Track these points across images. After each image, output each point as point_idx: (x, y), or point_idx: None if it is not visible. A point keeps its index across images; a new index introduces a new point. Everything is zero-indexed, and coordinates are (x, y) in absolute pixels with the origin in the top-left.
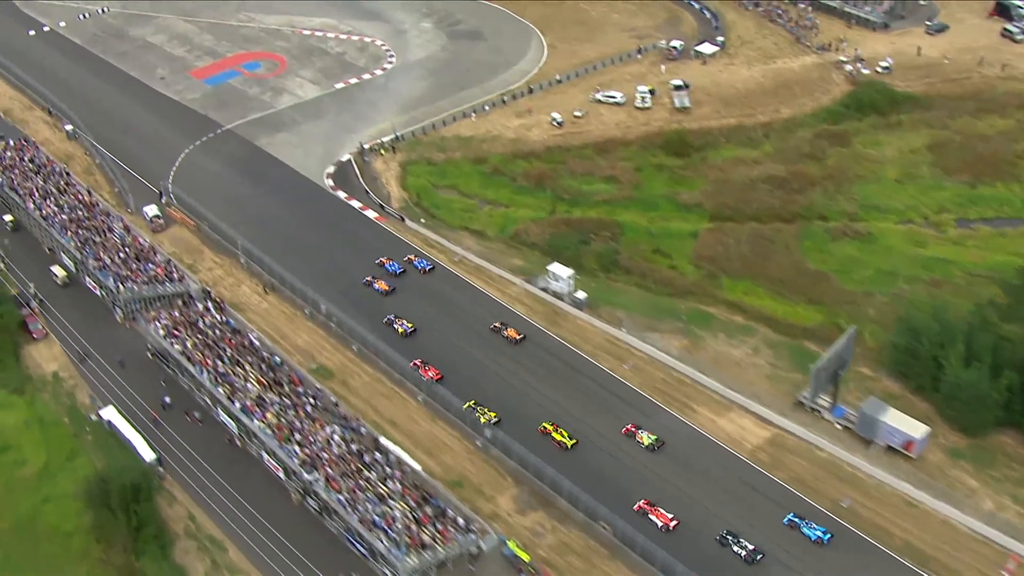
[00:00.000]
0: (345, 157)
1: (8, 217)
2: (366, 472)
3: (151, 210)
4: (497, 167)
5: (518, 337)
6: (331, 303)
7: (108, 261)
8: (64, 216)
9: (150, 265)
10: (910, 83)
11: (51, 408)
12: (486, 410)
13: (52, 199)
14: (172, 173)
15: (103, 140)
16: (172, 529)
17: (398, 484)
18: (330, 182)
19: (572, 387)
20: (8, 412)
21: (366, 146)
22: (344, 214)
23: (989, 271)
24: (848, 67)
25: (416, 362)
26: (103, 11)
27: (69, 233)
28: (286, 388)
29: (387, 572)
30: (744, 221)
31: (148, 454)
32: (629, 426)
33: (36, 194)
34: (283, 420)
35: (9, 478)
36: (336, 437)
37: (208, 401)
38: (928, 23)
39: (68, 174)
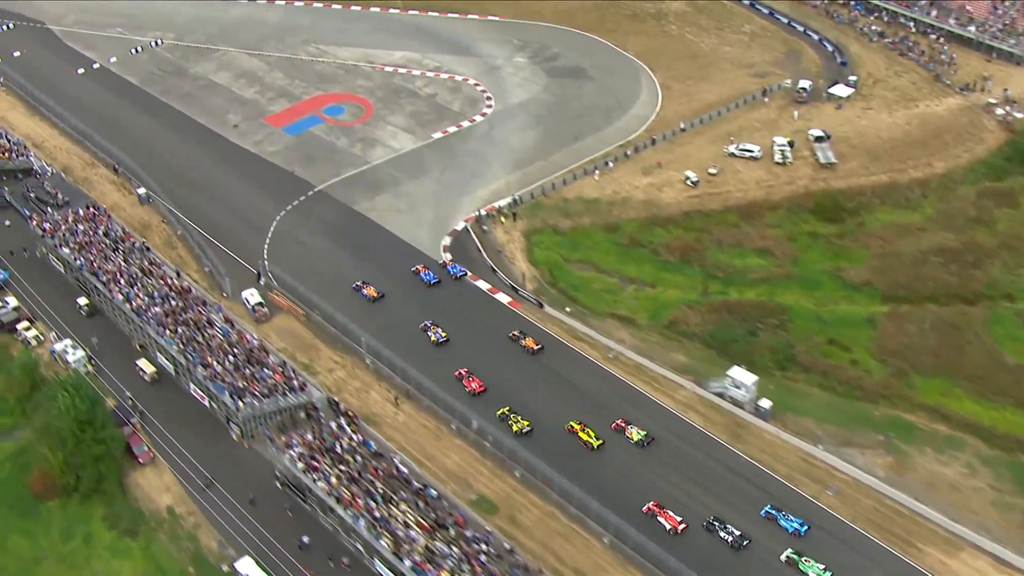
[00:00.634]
0: (460, 225)
1: (83, 301)
2: None
3: (252, 297)
4: (633, 237)
5: None
6: (481, 416)
7: (217, 368)
8: (158, 309)
9: (265, 371)
10: None
11: (172, 555)
12: (519, 418)
13: (139, 285)
14: (266, 247)
15: (181, 205)
16: None
17: None
18: (448, 255)
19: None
20: (123, 561)
21: (483, 212)
22: (473, 299)
23: None
24: (999, 110)
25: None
26: (157, 43)
27: (168, 332)
28: (452, 531)
29: None
30: (920, 302)
31: None
32: None
33: (121, 279)
34: None
35: None
36: None
37: (361, 549)
38: None
39: (148, 249)
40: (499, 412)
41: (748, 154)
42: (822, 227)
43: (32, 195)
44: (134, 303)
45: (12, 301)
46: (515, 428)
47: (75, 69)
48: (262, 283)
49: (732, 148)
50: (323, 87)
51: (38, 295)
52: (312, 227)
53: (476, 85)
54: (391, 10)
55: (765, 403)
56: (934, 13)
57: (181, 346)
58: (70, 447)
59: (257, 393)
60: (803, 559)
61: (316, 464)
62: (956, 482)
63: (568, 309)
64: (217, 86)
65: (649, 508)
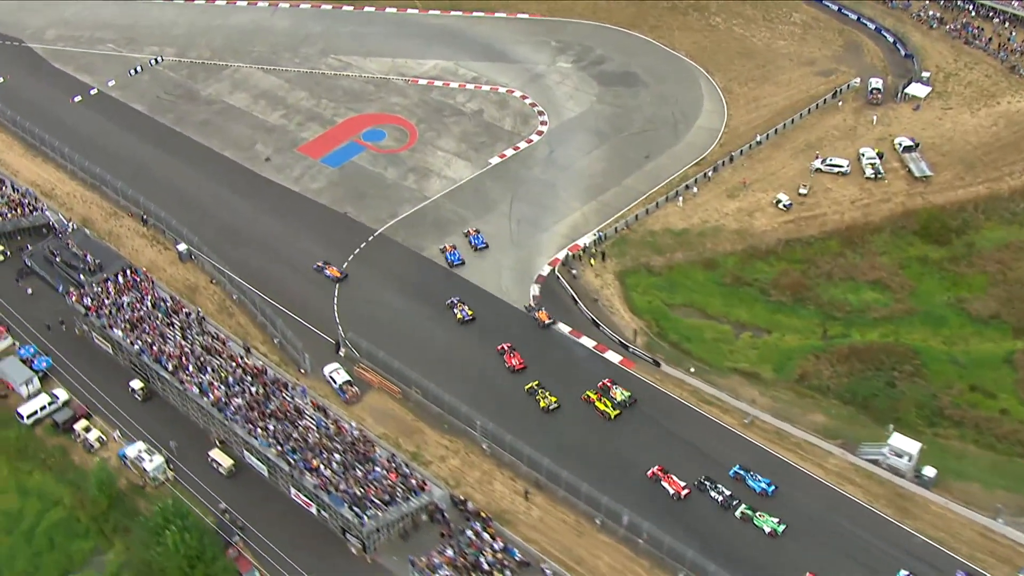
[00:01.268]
0: (545, 269)
1: (137, 385)
2: None
3: (338, 374)
4: (735, 274)
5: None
6: (629, 507)
7: (325, 472)
8: (239, 400)
9: (377, 469)
10: None
11: None
12: (547, 393)
13: (210, 370)
14: (335, 308)
15: (229, 261)
16: None
17: None
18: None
19: None
20: None
21: (568, 253)
22: (578, 359)
23: None
24: None
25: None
26: (157, 61)
27: (260, 430)
28: None
29: None
30: None
31: None
32: None
33: (188, 364)
34: None
35: None
36: None
37: None
38: None
39: (205, 319)
40: (527, 386)
41: (837, 169)
42: (931, 251)
43: (58, 259)
44: (211, 395)
45: (62, 394)
46: (543, 404)
47: (70, 96)
48: (342, 354)
49: (819, 163)
50: (355, 107)
51: (85, 376)
52: (383, 281)
53: (523, 98)
54: (409, 10)
55: (930, 471)
56: None
57: (279, 447)
58: None
59: (377, 500)
60: (757, 513)
61: None
62: None
63: (692, 369)
64: (236, 110)
65: (653, 473)
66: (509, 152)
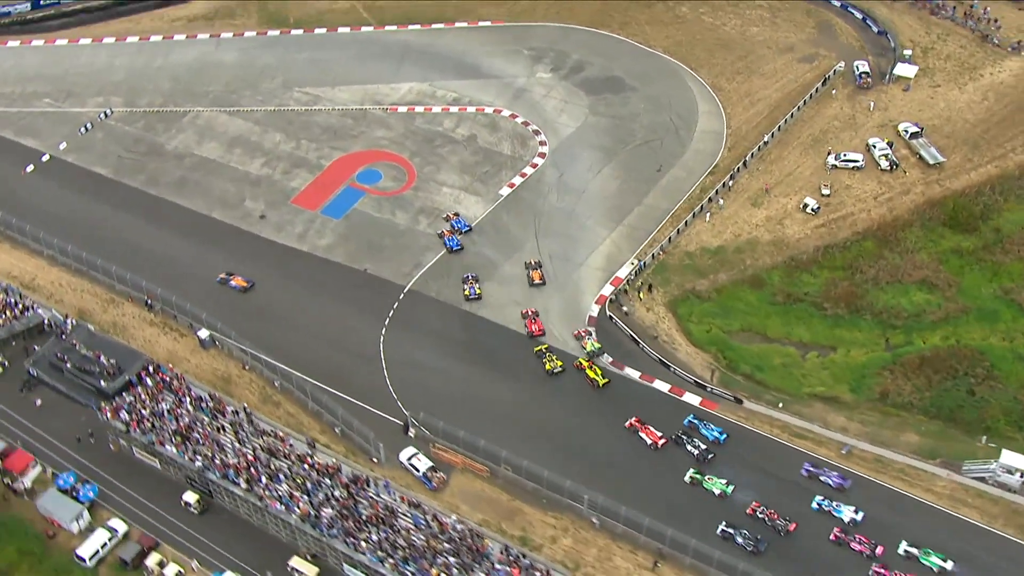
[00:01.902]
0: (594, 309)
1: (192, 498)
2: None
3: (419, 461)
4: (784, 290)
5: None
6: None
7: None
8: (329, 511)
9: (498, 568)
10: None
11: None
12: (553, 357)
13: (283, 476)
14: (388, 383)
15: (256, 341)
16: None
17: None
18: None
19: None
20: None
21: (614, 289)
22: (657, 407)
23: None
24: None
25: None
26: (106, 115)
27: (363, 543)
28: None
29: None
30: None
31: None
32: None
33: (259, 475)
34: None
35: None
36: None
37: None
38: None
39: (252, 416)
40: (535, 349)
41: (852, 164)
42: (962, 240)
43: (68, 364)
44: (297, 510)
45: (119, 525)
46: (548, 367)
47: (22, 167)
48: (412, 435)
49: (833, 160)
50: (339, 145)
51: (135, 495)
52: (429, 344)
53: (513, 117)
54: (363, 28)
55: None
56: None
57: (392, 561)
58: None
59: None
60: (706, 477)
61: None
62: None
63: (780, 405)
64: (211, 163)
65: (631, 424)
66: (517, 180)
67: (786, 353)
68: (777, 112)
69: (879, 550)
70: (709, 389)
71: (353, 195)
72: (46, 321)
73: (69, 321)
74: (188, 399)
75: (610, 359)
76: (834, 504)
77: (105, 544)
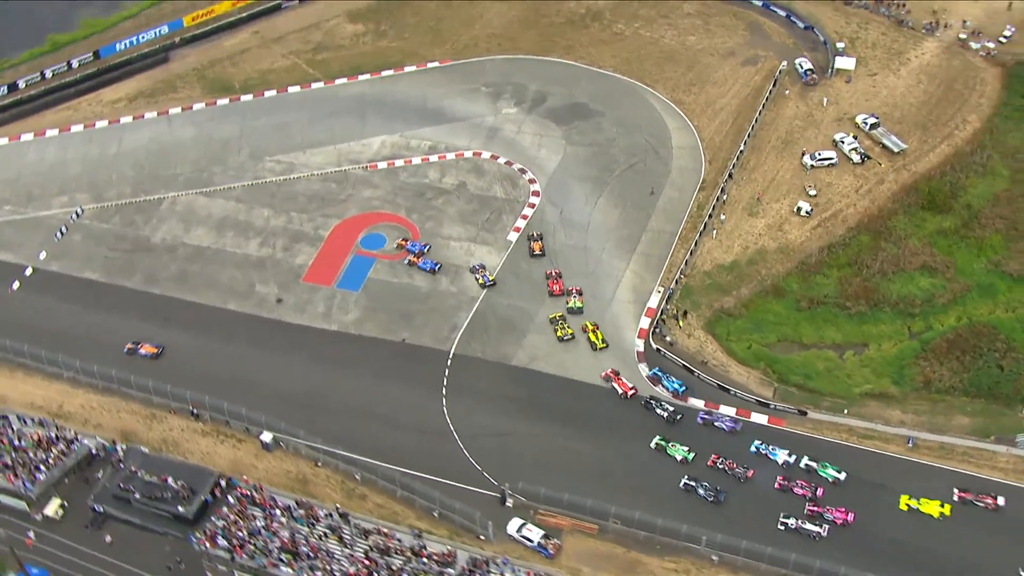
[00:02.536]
0: (638, 343)
1: None
2: None
3: (530, 531)
4: (804, 295)
5: None
6: None
7: None
8: None
9: None
10: None
11: None
12: (565, 325)
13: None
14: (468, 455)
15: (321, 435)
16: None
17: None
18: (659, 391)
19: None
20: None
21: (651, 322)
22: (730, 434)
23: None
24: (974, 45)
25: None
26: (77, 214)
27: None
28: None
29: None
30: None
31: None
32: None
33: None
34: None
35: None
36: None
37: None
38: None
39: (345, 514)
40: (550, 316)
41: (828, 162)
42: (942, 221)
43: (136, 495)
44: None
45: None
46: (559, 334)
47: (5, 285)
48: (510, 505)
49: (810, 160)
50: (331, 212)
51: None
52: (492, 407)
53: (495, 158)
54: (313, 85)
55: None
56: None
57: None
58: None
59: None
60: (670, 444)
61: None
62: None
63: (846, 411)
64: (206, 251)
65: (606, 375)
66: (520, 223)
67: (826, 357)
68: (741, 119)
69: (819, 491)
70: (773, 407)
71: (364, 264)
72: (95, 451)
73: (118, 447)
74: (278, 510)
75: (672, 391)
76: (769, 448)
77: None
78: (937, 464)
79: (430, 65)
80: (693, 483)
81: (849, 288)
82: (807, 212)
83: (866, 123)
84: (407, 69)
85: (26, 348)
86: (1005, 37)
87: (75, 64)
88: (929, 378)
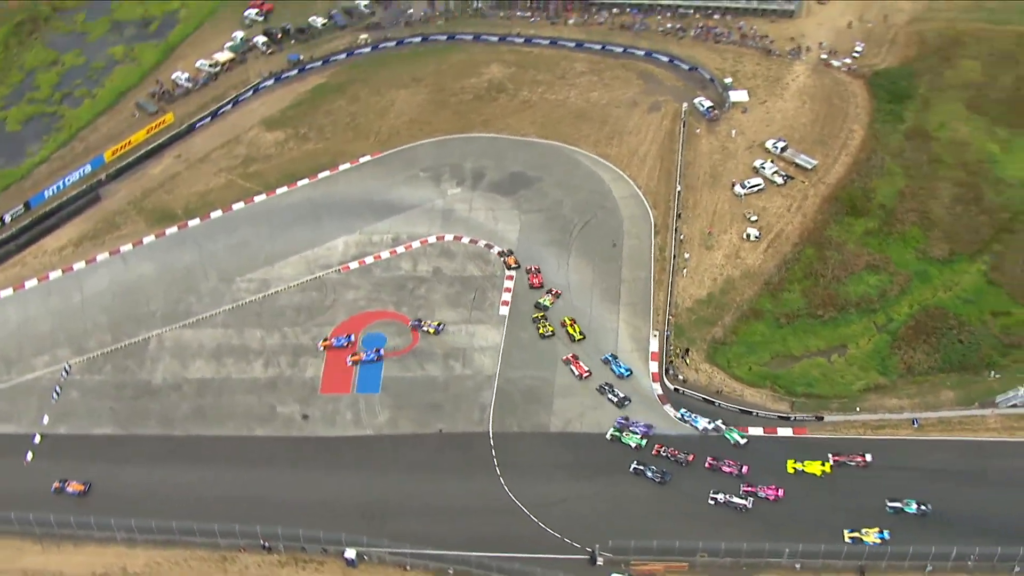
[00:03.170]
0: (656, 389)
1: None
2: None
3: None
4: (780, 312)
5: None
6: None
7: None
8: None
9: None
10: (884, 57)
11: None
12: (546, 323)
13: None
14: (543, 525)
15: (397, 539)
16: None
17: None
18: (699, 422)
19: None
20: None
21: (658, 365)
22: (765, 453)
23: None
24: (836, 63)
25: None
26: (67, 372)
27: None
28: None
29: None
30: (982, 245)
31: None
32: None
33: None
34: None
35: None
36: None
37: None
38: None
39: None
40: (533, 315)
41: (757, 188)
42: (866, 223)
43: None
44: None
45: None
46: (541, 331)
47: (18, 459)
48: (601, 563)
49: (741, 189)
50: (322, 321)
51: None
52: (546, 476)
53: (458, 239)
54: (256, 198)
55: None
56: None
57: None
58: None
59: None
60: (623, 432)
61: None
62: None
63: (858, 408)
64: (211, 383)
65: (566, 359)
66: (506, 296)
67: (818, 364)
68: (665, 162)
69: (744, 469)
70: (793, 419)
71: (374, 367)
72: None
73: None
74: None
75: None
76: (692, 416)
77: None
78: (943, 437)
79: (362, 160)
80: (641, 467)
81: (815, 298)
82: (756, 237)
83: (776, 147)
84: (342, 167)
85: (72, 519)
86: (858, 52)
87: (7, 219)
88: (909, 364)
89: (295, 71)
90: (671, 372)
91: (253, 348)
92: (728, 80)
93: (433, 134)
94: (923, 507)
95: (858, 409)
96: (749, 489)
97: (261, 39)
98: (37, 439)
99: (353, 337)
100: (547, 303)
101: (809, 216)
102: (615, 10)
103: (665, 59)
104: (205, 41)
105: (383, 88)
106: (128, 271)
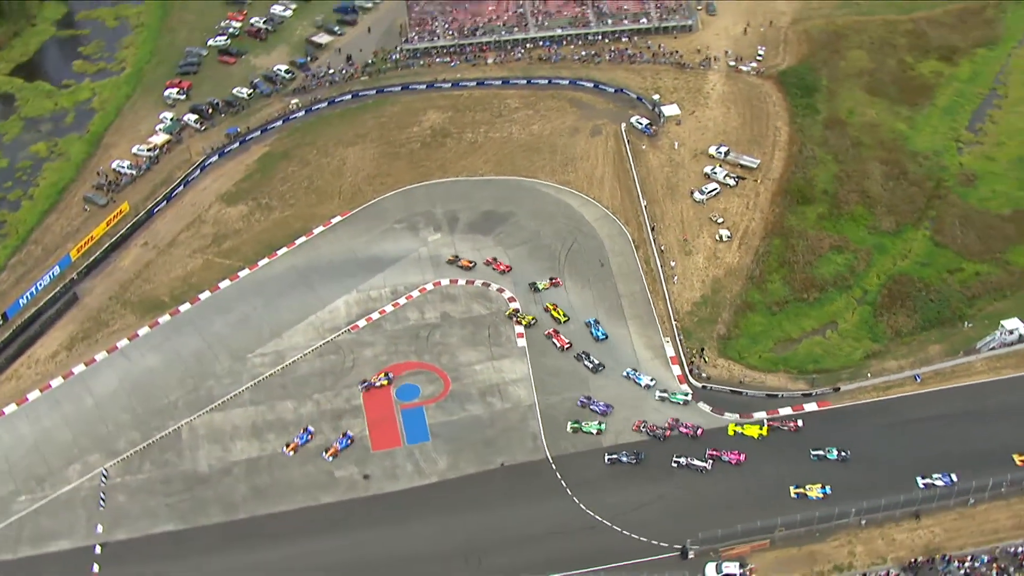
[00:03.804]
0: (683, 388)
1: None
2: None
3: (731, 568)
4: (770, 302)
5: None
6: None
7: None
8: None
9: None
10: (783, 57)
11: None
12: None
13: None
14: (629, 532)
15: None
16: None
17: None
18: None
19: None
20: None
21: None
22: (799, 431)
23: None
24: (745, 68)
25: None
26: (105, 477)
27: None
28: None
29: None
30: (920, 213)
31: None
32: None
33: None
34: None
35: None
36: None
37: None
38: (708, 6)
39: None
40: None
41: (714, 192)
42: (816, 209)
43: None
44: None
45: None
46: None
47: (85, 574)
48: (691, 556)
49: (700, 196)
50: (349, 382)
51: None
52: (615, 487)
53: (454, 282)
54: (240, 274)
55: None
56: (610, 21)
57: None
58: None
59: None
60: (583, 423)
61: None
62: None
63: (869, 375)
64: (260, 461)
65: (548, 333)
66: (518, 328)
67: (818, 342)
68: (623, 181)
69: (699, 431)
70: (815, 394)
71: (416, 415)
72: None
73: None
74: None
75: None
76: (636, 374)
77: None
78: (945, 387)
79: (334, 221)
80: (615, 455)
81: (795, 284)
82: (727, 237)
83: (720, 152)
84: (316, 231)
85: None
86: (760, 56)
87: None
88: (896, 328)
89: (236, 143)
90: (695, 372)
91: (288, 420)
92: (656, 96)
93: (395, 186)
94: (843, 453)
95: (868, 375)
96: (714, 453)
97: (191, 117)
98: (98, 550)
99: (392, 375)
100: (542, 286)
101: (766, 211)
102: (528, 44)
103: (590, 85)
104: (130, 126)
105: (330, 148)
106: (134, 366)
